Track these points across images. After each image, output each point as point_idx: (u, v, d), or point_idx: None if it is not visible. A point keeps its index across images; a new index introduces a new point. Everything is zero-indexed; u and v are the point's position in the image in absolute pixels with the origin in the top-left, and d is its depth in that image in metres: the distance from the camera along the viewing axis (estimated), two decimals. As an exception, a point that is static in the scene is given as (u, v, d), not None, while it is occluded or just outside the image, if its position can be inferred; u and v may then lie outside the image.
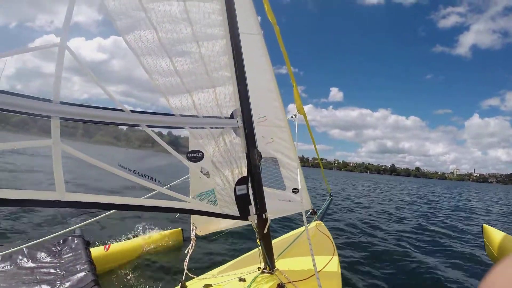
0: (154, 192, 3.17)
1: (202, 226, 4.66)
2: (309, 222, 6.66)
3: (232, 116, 3.09)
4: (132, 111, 2.40)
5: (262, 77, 4.74)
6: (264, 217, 3.40)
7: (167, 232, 7.88)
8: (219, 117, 3.01)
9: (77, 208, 2.27)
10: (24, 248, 4.15)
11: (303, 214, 3.77)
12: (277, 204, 5.59)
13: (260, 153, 3.35)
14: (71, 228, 4.67)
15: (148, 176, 2.60)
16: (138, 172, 2.54)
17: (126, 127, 2.58)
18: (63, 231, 4.55)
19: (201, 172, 3.07)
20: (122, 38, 2.46)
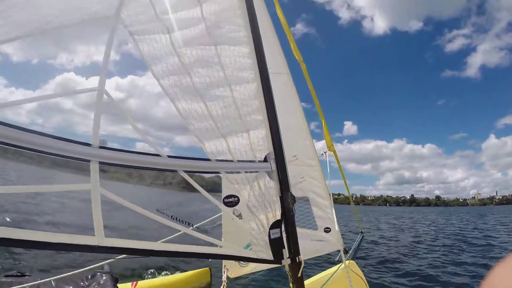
0: (177, 234, 3.11)
1: (234, 269, 4.55)
2: (340, 262, 6.44)
3: (265, 160, 3.05)
4: (169, 156, 2.41)
5: (292, 116, 4.74)
6: (297, 260, 3.27)
7: (195, 271, 7.69)
8: (253, 161, 2.97)
9: (116, 253, 2.23)
10: (52, 281, 4.11)
11: (342, 253, 3.60)
12: (309, 245, 5.46)
13: (294, 196, 3.28)
14: (100, 263, 4.61)
15: (186, 222, 2.56)
16: (176, 218, 2.51)
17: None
18: (92, 266, 4.49)
19: (234, 214, 3.01)
20: (158, 82, 2.50)
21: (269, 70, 3.17)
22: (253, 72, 2.98)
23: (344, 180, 6.54)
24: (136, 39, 2.73)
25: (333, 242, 5.70)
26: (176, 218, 2.51)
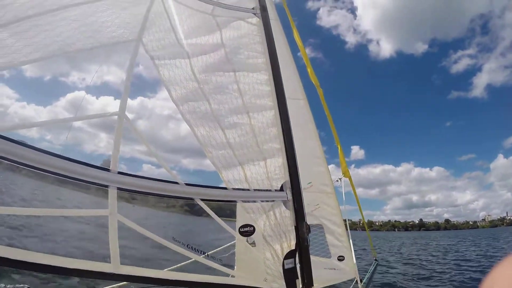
0: (189, 261, 3.04)
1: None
2: None
3: (282, 189, 2.99)
4: (187, 184, 2.38)
5: (308, 143, 4.70)
6: (311, 291, 3.17)
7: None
8: (270, 190, 2.92)
9: (132, 282, 2.17)
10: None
11: (359, 282, 3.49)
12: (322, 273, 5.33)
13: (309, 226, 3.20)
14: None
15: (201, 251, 2.51)
16: (192, 247, 2.45)
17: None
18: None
19: (247, 241, 2.94)
20: (177, 108, 2.49)
21: (286, 95, 3.16)
22: (271, 99, 2.96)
23: (359, 207, 6.43)
24: (156, 64, 2.74)
25: (347, 270, 5.55)
26: (192, 247, 2.46)
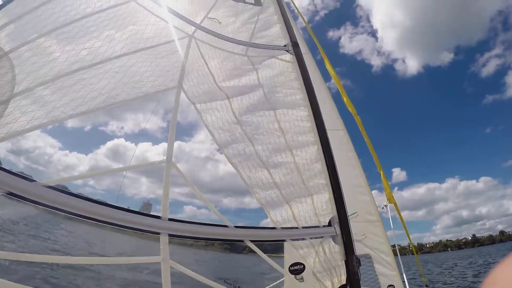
0: None
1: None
2: None
3: (330, 224, 2.95)
4: (236, 227, 2.39)
5: (350, 173, 4.65)
6: (364, 327, 3.06)
7: None
8: (318, 226, 2.88)
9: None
10: None
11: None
12: (372, 305, 5.13)
13: (359, 259, 3.12)
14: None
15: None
16: (241, 288, 2.44)
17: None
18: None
19: (296, 278, 2.90)
20: (222, 152, 2.54)
21: (326, 127, 3.16)
22: (313, 135, 2.97)
23: (406, 232, 6.19)
24: (198, 109, 2.84)
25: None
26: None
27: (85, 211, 1.92)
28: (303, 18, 7.16)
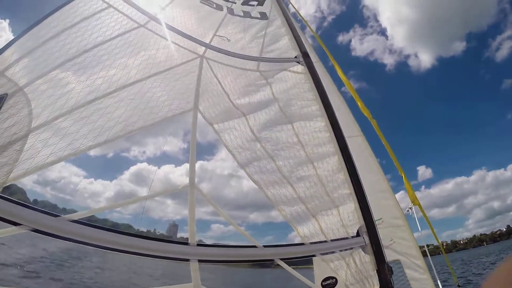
0: None
1: None
2: None
3: (358, 234, 2.90)
4: (265, 246, 2.37)
5: (372, 178, 4.59)
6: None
7: None
8: (347, 238, 2.83)
9: None
10: None
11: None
12: (405, 312, 5.02)
13: (391, 267, 3.05)
14: None
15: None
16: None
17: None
18: None
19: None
20: (244, 171, 2.53)
21: (345, 135, 3.12)
22: (332, 145, 2.94)
23: (433, 233, 6.06)
24: (216, 129, 2.84)
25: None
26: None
27: (112, 243, 1.94)
28: (310, 27, 7.19)
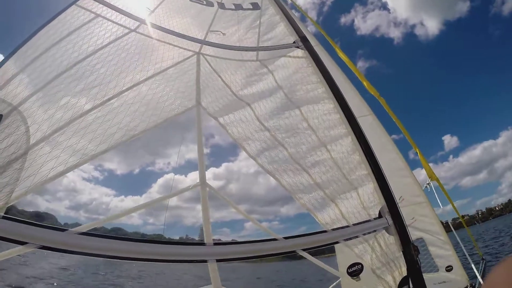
0: None
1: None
2: None
3: (380, 215, 2.79)
4: (285, 238, 2.28)
5: (388, 157, 4.49)
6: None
7: None
8: (369, 220, 2.73)
9: None
10: None
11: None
12: (433, 291, 4.93)
13: (417, 246, 2.94)
14: None
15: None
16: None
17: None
18: None
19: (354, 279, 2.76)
20: (255, 162, 2.45)
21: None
22: (344, 126, 2.84)
23: (453, 206, 5.93)
24: (222, 123, 2.75)
25: (458, 280, 5.08)
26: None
27: (124, 251, 1.88)
28: (301, 10, 7.07)
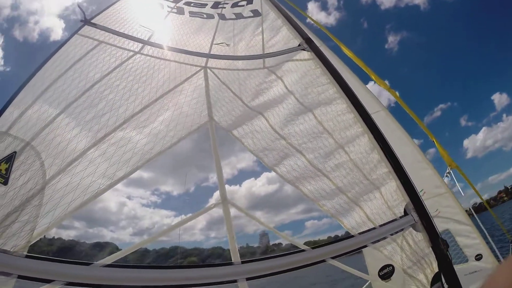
0: None
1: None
2: None
3: (406, 213, 2.73)
4: (313, 248, 2.24)
5: (405, 151, 4.43)
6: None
7: None
8: (395, 220, 2.67)
9: None
10: None
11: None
12: (464, 282, 4.82)
13: (445, 240, 2.88)
14: None
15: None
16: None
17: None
18: None
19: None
20: (275, 172, 2.43)
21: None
22: (359, 125, 2.80)
23: (475, 190, 5.80)
24: (236, 136, 2.73)
25: (489, 268, 4.97)
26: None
27: (151, 280, 1.88)
28: (301, 11, 7.05)
